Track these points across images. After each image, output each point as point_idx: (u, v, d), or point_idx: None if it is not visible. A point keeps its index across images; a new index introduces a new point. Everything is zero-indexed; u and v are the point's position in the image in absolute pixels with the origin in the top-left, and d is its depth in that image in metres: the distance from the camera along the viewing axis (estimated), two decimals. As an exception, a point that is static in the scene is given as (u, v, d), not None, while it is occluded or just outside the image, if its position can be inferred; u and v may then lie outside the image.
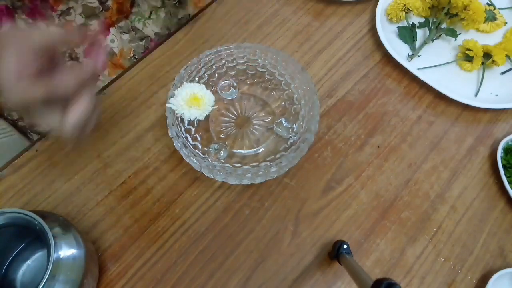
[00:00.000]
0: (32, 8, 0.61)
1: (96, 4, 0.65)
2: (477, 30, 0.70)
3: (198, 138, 0.58)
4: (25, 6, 0.60)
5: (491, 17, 0.69)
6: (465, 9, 0.66)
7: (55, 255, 0.42)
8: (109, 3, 0.68)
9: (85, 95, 0.39)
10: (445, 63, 0.67)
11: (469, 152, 0.61)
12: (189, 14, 0.80)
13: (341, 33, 0.71)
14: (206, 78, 0.60)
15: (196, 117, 0.50)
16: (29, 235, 0.51)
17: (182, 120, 0.55)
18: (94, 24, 0.68)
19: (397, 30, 0.70)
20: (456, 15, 0.67)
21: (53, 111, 0.39)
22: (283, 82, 0.61)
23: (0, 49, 0.36)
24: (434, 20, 0.70)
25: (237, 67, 0.61)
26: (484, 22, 0.69)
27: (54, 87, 0.37)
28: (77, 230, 0.48)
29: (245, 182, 0.52)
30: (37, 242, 0.52)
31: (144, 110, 0.63)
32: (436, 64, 0.67)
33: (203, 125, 0.59)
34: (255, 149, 0.58)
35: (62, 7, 0.63)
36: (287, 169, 0.53)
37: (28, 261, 0.52)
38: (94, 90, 0.40)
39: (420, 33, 0.70)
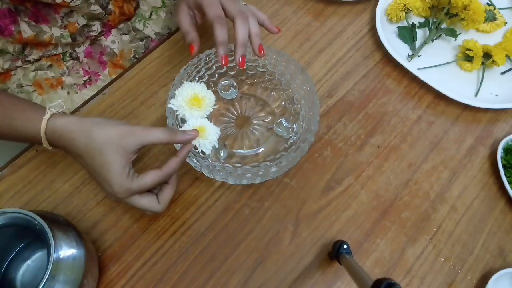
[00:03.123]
0: (34, 11, 0.61)
1: (99, 10, 0.65)
2: (477, 30, 0.70)
3: (198, 138, 0.58)
4: (28, 10, 0.60)
5: (491, 17, 0.69)
6: (465, 9, 0.66)
7: (55, 255, 0.42)
8: (111, 7, 0.68)
9: (174, 178, 0.49)
10: (445, 63, 0.67)
11: (469, 152, 0.61)
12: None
13: (341, 33, 0.71)
14: (206, 78, 0.60)
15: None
16: (29, 235, 0.51)
17: (182, 120, 0.55)
18: (96, 25, 0.68)
19: (397, 30, 0.70)
20: (456, 15, 0.67)
21: (150, 194, 0.48)
22: (283, 82, 0.61)
23: (104, 151, 0.43)
24: (434, 20, 0.70)
25: (237, 67, 0.61)
26: (484, 22, 0.69)
27: (165, 174, 0.46)
28: (77, 230, 0.48)
29: (245, 182, 0.52)
30: (37, 242, 0.52)
31: (144, 110, 0.63)
32: (436, 64, 0.67)
33: (203, 125, 0.59)
34: (255, 149, 0.58)
35: (64, 9, 0.63)
36: (287, 169, 0.53)
37: (28, 261, 0.52)
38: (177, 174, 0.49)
39: (420, 33, 0.70)
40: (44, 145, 0.46)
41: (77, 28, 0.66)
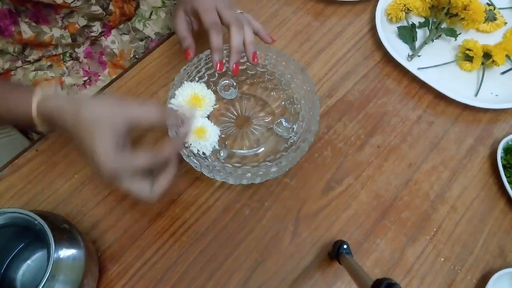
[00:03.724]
0: (34, 12, 0.61)
1: (100, 11, 0.65)
2: (477, 30, 0.70)
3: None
4: (28, 10, 0.60)
5: (491, 17, 0.69)
6: (465, 9, 0.66)
7: (55, 255, 0.42)
8: (111, 7, 0.68)
9: (172, 165, 0.45)
10: (445, 63, 0.67)
11: (469, 152, 0.61)
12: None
13: (341, 33, 0.71)
14: (206, 78, 0.60)
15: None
16: (29, 235, 0.51)
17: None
18: (97, 26, 0.68)
19: (397, 30, 0.70)
20: (456, 15, 0.67)
21: (143, 179, 0.45)
22: (283, 82, 0.61)
23: (92, 129, 0.41)
24: (434, 20, 0.70)
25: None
26: (484, 22, 0.69)
27: (155, 157, 0.43)
28: (77, 230, 0.48)
29: (245, 182, 0.52)
30: (37, 242, 0.52)
31: (144, 110, 0.63)
32: (436, 64, 0.67)
33: (203, 125, 0.59)
34: (255, 149, 0.58)
35: (65, 10, 0.63)
36: (287, 169, 0.53)
37: (28, 261, 0.52)
38: (178, 161, 0.46)
39: (420, 33, 0.70)
40: (37, 125, 0.45)
41: (77, 29, 0.66)
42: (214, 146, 0.53)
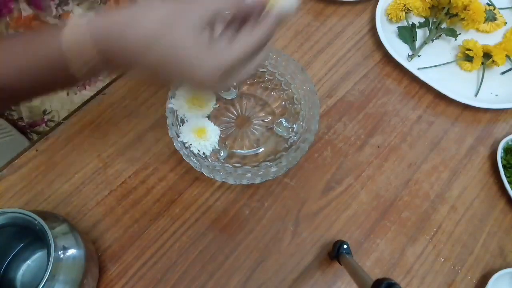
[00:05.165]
0: None
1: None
2: (477, 30, 0.70)
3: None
4: None
5: (491, 17, 0.69)
6: (465, 9, 0.66)
7: (55, 255, 0.42)
8: None
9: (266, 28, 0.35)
10: (445, 63, 0.67)
11: (469, 152, 0.61)
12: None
13: (341, 33, 0.71)
14: (206, 78, 0.60)
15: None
16: (29, 235, 0.51)
17: (182, 120, 0.55)
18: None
19: (397, 30, 0.70)
20: (456, 15, 0.67)
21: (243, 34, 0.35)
22: (283, 82, 0.61)
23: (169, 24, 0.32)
24: (434, 20, 0.70)
25: (237, 67, 0.61)
26: (484, 22, 0.69)
27: (258, 41, 0.34)
28: (77, 230, 0.48)
29: (245, 182, 0.52)
30: (37, 242, 0.52)
31: (144, 110, 0.63)
32: (436, 64, 0.67)
33: (203, 125, 0.59)
34: (255, 149, 0.58)
35: None
36: (287, 169, 0.53)
37: (28, 261, 0.52)
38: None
39: (420, 33, 0.70)
40: (73, 65, 0.33)
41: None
42: (214, 146, 0.53)
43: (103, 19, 0.33)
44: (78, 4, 0.65)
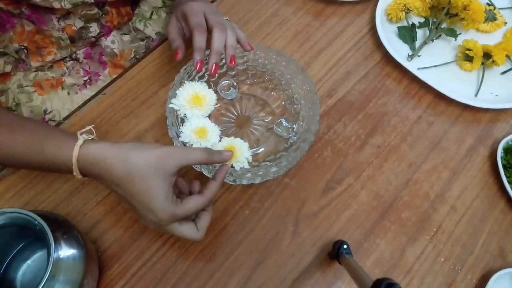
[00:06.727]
0: (29, 15, 0.61)
1: (95, 10, 0.65)
2: (477, 30, 0.70)
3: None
4: (23, 14, 0.60)
5: (491, 17, 0.69)
6: (465, 9, 0.66)
7: (55, 255, 0.42)
8: (107, 7, 0.68)
9: (210, 203, 0.47)
10: (445, 63, 0.67)
11: (469, 152, 0.61)
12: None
13: (341, 33, 0.71)
14: (206, 78, 0.60)
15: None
16: (29, 235, 0.51)
17: (182, 120, 0.55)
18: (94, 27, 0.68)
19: (397, 30, 0.70)
20: (456, 15, 0.67)
21: (187, 221, 0.46)
22: (283, 82, 0.61)
23: (147, 177, 0.41)
24: (434, 20, 0.70)
25: (237, 67, 0.61)
26: (484, 22, 0.69)
27: (207, 201, 0.45)
28: (77, 230, 0.48)
29: (245, 182, 0.52)
30: (37, 242, 0.52)
31: (144, 110, 0.63)
32: (436, 64, 0.67)
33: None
34: (255, 149, 0.58)
35: (61, 11, 0.63)
36: (287, 169, 0.53)
37: (28, 261, 0.52)
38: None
39: (420, 33, 0.70)
40: (75, 174, 0.43)
41: (74, 31, 0.66)
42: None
43: (103, 152, 0.42)
44: (79, 18, 0.65)
